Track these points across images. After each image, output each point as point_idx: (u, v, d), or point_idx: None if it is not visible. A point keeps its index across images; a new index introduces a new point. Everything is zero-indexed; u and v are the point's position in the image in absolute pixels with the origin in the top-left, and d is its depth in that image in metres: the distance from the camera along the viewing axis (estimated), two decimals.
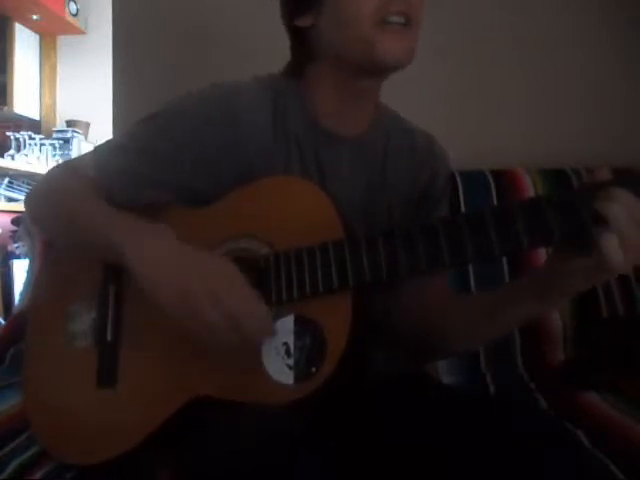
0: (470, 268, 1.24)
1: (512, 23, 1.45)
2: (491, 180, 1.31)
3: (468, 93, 1.46)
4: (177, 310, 0.66)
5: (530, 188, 1.31)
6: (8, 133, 3.05)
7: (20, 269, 2.64)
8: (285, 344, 0.67)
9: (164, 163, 0.79)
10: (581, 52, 1.44)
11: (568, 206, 0.60)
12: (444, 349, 0.85)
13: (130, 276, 0.71)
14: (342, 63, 0.78)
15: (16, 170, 3.00)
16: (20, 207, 2.88)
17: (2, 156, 2.97)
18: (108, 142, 0.88)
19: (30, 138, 3.08)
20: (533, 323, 1.20)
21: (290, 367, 0.66)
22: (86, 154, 0.89)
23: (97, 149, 0.87)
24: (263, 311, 0.66)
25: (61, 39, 3.47)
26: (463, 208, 1.27)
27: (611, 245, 0.56)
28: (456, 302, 0.83)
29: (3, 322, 2.48)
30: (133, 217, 0.74)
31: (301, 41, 0.82)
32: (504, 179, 1.32)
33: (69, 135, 3.20)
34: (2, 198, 2.96)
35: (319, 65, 0.81)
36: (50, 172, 0.89)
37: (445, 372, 1.18)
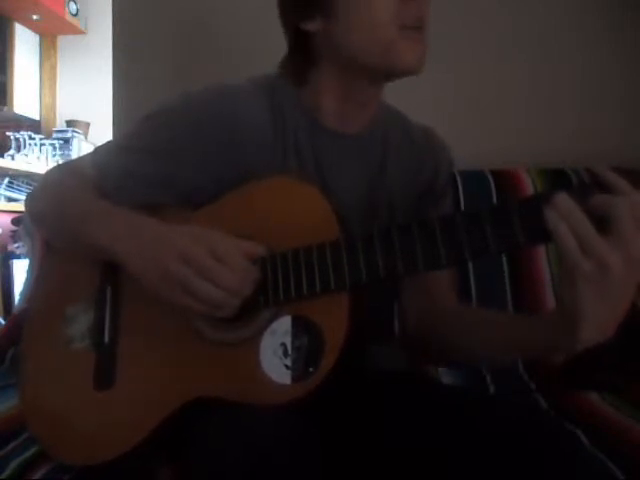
0: (470, 267, 1.24)
1: (512, 23, 1.45)
2: (491, 180, 1.32)
3: (468, 93, 1.46)
4: (161, 288, 0.68)
5: (530, 188, 1.31)
6: (8, 133, 3.04)
7: (20, 269, 2.64)
8: (283, 344, 0.67)
9: (163, 163, 0.79)
10: (581, 52, 1.44)
11: None
12: (443, 352, 0.85)
13: (128, 275, 0.72)
14: (354, 67, 0.77)
15: (16, 170, 3.00)
16: (20, 207, 2.88)
17: (2, 156, 2.97)
18: (107, 143, 0.88)
19: (30, 138, 3.08)
20: None
21: (288, 367, 0.66)
22: (85, 155, 0.89)
23: (96, 150, 0.87)
24: (234, 257, 0.67)
25: (61, 39, 3.47)
26: (463, 208, 1.27)
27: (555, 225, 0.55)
28: (458, 308, 0.83)
29: (3, 322, 2.48)
30: (124, 212, 0.75)
31: (303, 45, 0.80)
32: (504, 179, 1.32)
33: (69, 135, 3.20)
34: (2, 198, 2.96)
35: (324, 70, 0.80)
36: (49, 173, 0.89)
37: (445, 372, 1.18)
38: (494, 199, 1.30)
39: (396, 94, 0.89)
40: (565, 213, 0.55)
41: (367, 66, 0.76)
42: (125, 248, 0.71)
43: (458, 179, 1.29)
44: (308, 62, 0.81)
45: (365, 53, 0.74)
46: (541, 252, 1.23)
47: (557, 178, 1.31)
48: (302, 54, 0.81)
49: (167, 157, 0.79)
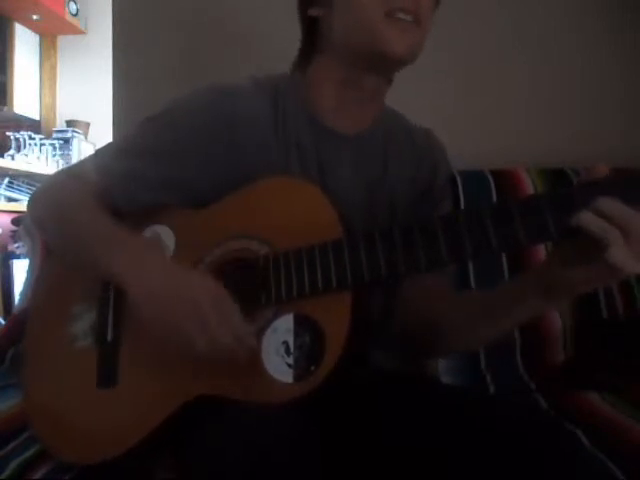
0: (470, 266, 1.24)
1: (512, 24, 1.45)
2: (491, 180, 1.31)
3: (468, 93, 1.46)
4: (159, 328, 0.69)
5: (530, 188, 1.30)
6: (8, 133, 3.04)
7: (20, 269, 2.64)
8: (285, 343, 0.68)
9: (165, 165, 0.79)
10: (581, 52, 1.43)
11: (567, 203, 0.60)
12: (443, 347, 0.85)
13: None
14: (348, 55, 0.78)
15: (16, 170, 3.00)
16: (20, 207, 2.88)
17: (2, 156, 2.97)
18: (109, 145, 0.88)
19: (30, 138, 3.08)
20: (533, 323, 1.20)
21: (290, 365, 0.66)
22: (87, 158, 0.89)
23: (98, 153, 0.87)
24: (243, 332, 0.67)
25: (61, 39, 3.47)
26: (463, 208, 1.27)
27: (617, 247, 0.56)
28: (457, 300, 0.83)
29: (3, 322, 2.48)
30: (127, 236, 0.75)
31: (312, 31, 0.82)
32: (504, 179, 1.32)
33: (69, 135, 3.20)
34: (2, 198, 2.96)
35: (326, 57, 0.81)
36: (52, 179, 0.89)
37: (445, 372, 1.18)
38: (494, 199, 1.29)
39: (397, 95, 0.89)
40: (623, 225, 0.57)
41: (357, 52, 0.77)
42: (132, 283, 0.70)
43: (458, 179, 1.29)
44: (314, 49, 0.83)
45: (354, 38, 0.76)
46: (540, 250, 1.23)
47: (557, 178, 1.31)
48: (310, 40, 0.84)
49: (169, 159, 0.79)
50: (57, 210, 0.82)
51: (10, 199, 2.98)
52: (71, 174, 0.87)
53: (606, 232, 0.56)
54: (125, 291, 0.71)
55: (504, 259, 1.24)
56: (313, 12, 0.80)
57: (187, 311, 0.66)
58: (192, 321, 0.66)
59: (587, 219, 0.57)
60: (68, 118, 3.35)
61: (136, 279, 0.70)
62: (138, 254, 0.73)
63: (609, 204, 0.57)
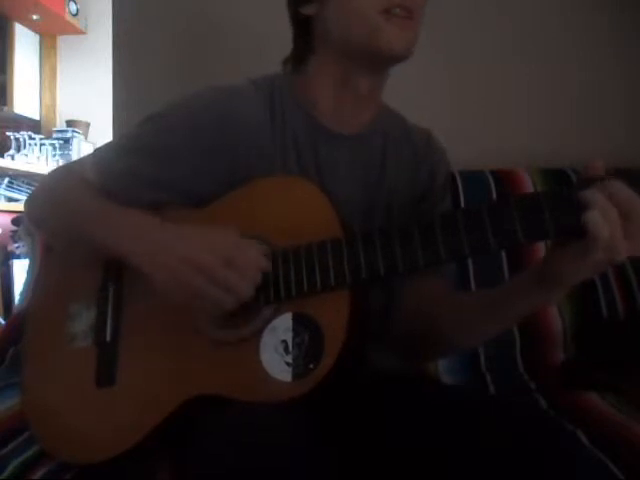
0: (470, 266, 1.24)
1: (513, 22, 1.45)
2: (491, 180, 1.31)
3: (468, 93, 1.46)
4: (170, 287, 0.69)
5: (530, 188, 1.30)
6: (8, 133, 3.05)
7: (20, 269, 2.64)
8: (283, 341, 0.68)
9: (163, 164, 0.79)
10: (581, 52, 1.43)
11: (565, 201, 0.60)
12: (445, 347, 0.85)
13: (130, 274, 0.72)
14: (345, 53, 0.78)
15: (16, 170, 3.00)
16: (20, 207, 2.88)
17: (2, 156, 2.97)
18: (107, 144, 0.88)
19: (30, 138, 3.09)
20: (533, 323, 1.20)
21: (288, 364, 0.66)
22: (86, 156, 0.89)
23: (97, 151, 0.87)
24: (250, 249, 0.69)
25: (61, 39, 3.48)
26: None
27: (595, 220, 0.58)
28: (457, 299, 0.83)
29: (3, 322, 2.48)
30: (130, 211, 0.76)
31: (304, 31, 0.82)
32: (504, 179, 1.32)
33: (69, 135, 3.21)
34: (2, 198, 2.96)
35: (321, 57, 0.81)
36: (50, 174, 0.90)
37: (445, 372, 1.18)
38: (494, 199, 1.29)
39: (396, 94, 0.89)
40: (610, 194, 0.59)
41: (355, 50, 0.77)
42: (134, 251, 0.72)
43: (458, 179, 1.29)
44: (308, 49, 0.83)
45: (352, 37, 0.76)
46: (540, 249, 1.23)
47: (557, 178, 1.31)
48: (303, 40, 0.83)
49: (168, 160, 0.79)
50: (57, 205, 0.83)
51: (10, 199, 2.98)
52: (69, 172, 0.87)
53: (606, 213, 0.58)
54: (138, 267, 0.71)
55: (504, 259, 1.24)
56: (304, 11, 0.80)
57: (204, 282, 0.67)
58: (212, 288, 0.67)
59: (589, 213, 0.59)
60: (68, 118, 3.36)
61: (142, 249, 0.71)
62: (140, 227, 0.74)
63: (616, 184, 0.59)
